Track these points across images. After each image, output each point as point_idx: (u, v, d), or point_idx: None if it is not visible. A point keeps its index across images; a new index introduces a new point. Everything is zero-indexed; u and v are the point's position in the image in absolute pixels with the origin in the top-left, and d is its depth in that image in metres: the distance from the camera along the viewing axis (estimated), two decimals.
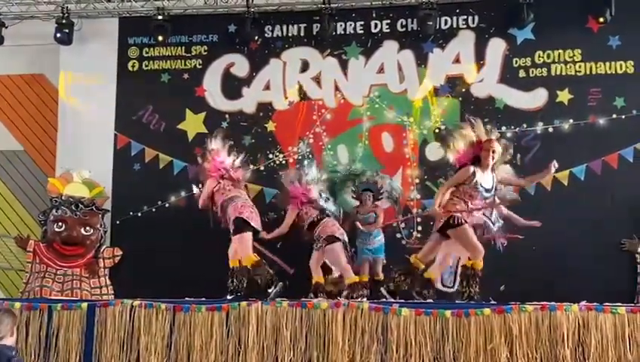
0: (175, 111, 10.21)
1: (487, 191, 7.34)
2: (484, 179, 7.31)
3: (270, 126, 10.05)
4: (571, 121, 9.42)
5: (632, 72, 9.37)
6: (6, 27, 10.40)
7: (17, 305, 7.35)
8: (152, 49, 10.42)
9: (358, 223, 8.82)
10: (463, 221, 7.24)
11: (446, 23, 9.84)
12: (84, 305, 7.45)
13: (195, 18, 10.39)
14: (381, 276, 8.74)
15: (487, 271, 7.45)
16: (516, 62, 9.65)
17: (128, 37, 10.49)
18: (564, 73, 9.55)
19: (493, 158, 7.32)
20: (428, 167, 9.65)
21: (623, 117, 9.30)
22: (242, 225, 8.03)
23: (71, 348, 7.29)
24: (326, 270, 8.67)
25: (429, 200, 9.51)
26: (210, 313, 7.15)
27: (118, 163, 10.22)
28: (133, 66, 10.44)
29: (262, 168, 9.83)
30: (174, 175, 9.96)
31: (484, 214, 7.50)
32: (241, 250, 8.05)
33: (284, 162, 9.83)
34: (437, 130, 9.71)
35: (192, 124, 10.13)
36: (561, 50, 9.56)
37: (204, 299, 7.66)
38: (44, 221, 9.83)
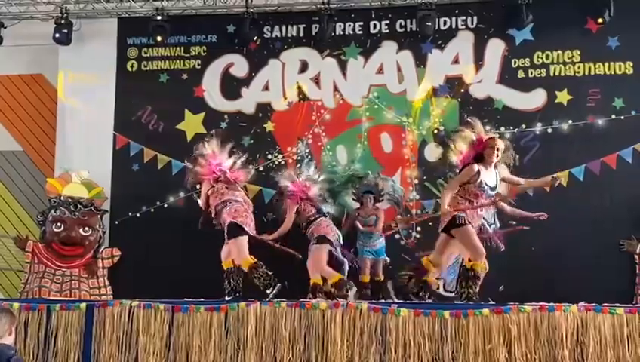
0: (174, 111, 10.21)
1: (491, 189, 7.32)
2: (488, 177, 7.29)
3: (269, 126, 10.05)
4: (570, 121, 9.42)
5: (630, 73, 9.38)
6: (5, 27, 10.41)
7: (16, 305, 7.34)
8: (150, 49, 10.42)
9: (358, 224, 8.80)
10: (466, 221, 7.21)
11: (445, 24, 9.84)
12: (83, 305, 7.44)
13: (194, 18, 10.39)
14: (382, 277, 8.75)
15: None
16: (515, 62, 9.66)
17: (127, 37, 10.50)
18: (563, 74, 9.56)
19: (497, 156, 7.32)
20: (427, 167, 9.65)
21: (622, 117, 9.30)
22: (236, 230, 8.02)
23: (70, 349, 7.28)
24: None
25: (428, 200, 9.55)
26: (208, 313, 7.14)
27: (117, 163, 10.22)
28: (132, 67, 10.44)
29: (261, 169, 9.83)
30: (173, 175, 9.95)
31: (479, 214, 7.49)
32: (237, 254, 8.04)
33: (283, 163, 9.82)
34: (436, 131, 9.71)
35: (191, 124, 10.13)
36: (560, 51, 9.57)
37: (202, 299, 7.66)
38: (43, 221, 9.82)
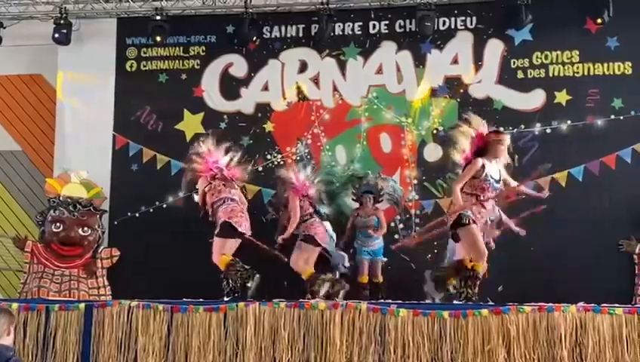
0: (173, 111, 10.21)
1: (496, 182, 7.31)
2: (493, 170, 7.27)
3: (268, 126, 10.05)
4: (569, 122, 9.42)
5: (630, 73, 9.38)
6: (4, 27, 10.41)
7: (15, 305, 7.34)
8: (150, 49, 10.42)
9: (369, 230, 8.78)
10: (471, 221, 7.18)
11: (444, 24, 9.84)
12: (82, 305, 7.44)
13: (194, 18, 10.39)
14: (380, 278, 8.73)
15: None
16: (514, 63, 9.66)
17: (126, 37, 10.50)
18: (562, 74, 9.56)
19: (504, 150, 7.33)
20: (426, 167, 9.66)
21: (621, 118, 9.30)
22: (229, 230, 8.04)
23: (68, 349, 7.28)
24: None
25: (428, 200, 9.56)
26: (207, 314, 7.14)
27: (116, 163, 10.22)
28: (131, 67, 10.44)
29: (260, 169, 9.83)
30: (172, 175, 9.95)
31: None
32: (216, 254, 8.05)
33: (282, 163, 9.81)
34: (435, 131, 9.71)
35: (190, 124, 10.13)
36: (559, 51, 9.57)
37: (201, 299, 7.66)
38: (42, 221, 9.82)
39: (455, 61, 9.82)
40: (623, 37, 9.40)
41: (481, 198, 7.26)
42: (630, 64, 9.38)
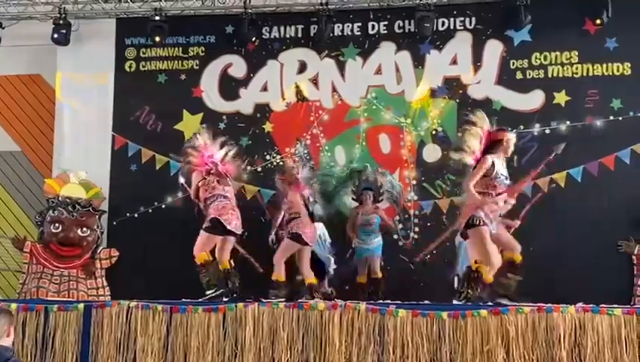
0: (172, 111, 10.21)
1: (506, 178, 7.32)
2: (501, 167, 7.28)
3: (267, 127, 10.05)
4: (568, 122, 9.43)
5: (628, 74, 9.39)
6: (3, 28, 10.40)
7: (14, 306, 7.34)
8: (149, 50, 10.42)
9: (369, 227, 8.77)
10: (482, 222, 7.16)
11: (443, 25, 9.84)
12: (81, 306, 7.45)
13: (193, 19, 10.39)
14: (379, 273, 8.73)
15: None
16: (513, 63, 9.67)
17: (125, 38, 10.49)
18: (561, 75, 9.56)
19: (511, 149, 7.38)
20: (425, 168, 9.66)
21: (620, 118, 9.31)
22: (217, 227, 8.05)
23: (67, 349, 7.28)
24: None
25: (427, 201, 9.56)
26: (206, 314, 7.15)
27: (115, 164, 10.22)
28: (130, 67, 10.44)
29: (259, 169, 9.83)
30: (171, 176, 9.94)
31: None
32: (197, 248, 8.05)
33: (281, 163, 9.80)
34: (434, 132, 9.71)
35: (189, 124, 10.11)
36: (558, 52, 9.58)
37: (200, 300, 7.66)
38: (41, 222, 9.81)
39: (454, 62, 9.82)
40: (622, 38, 9.41)
41: (494, 195, 7.26)
42: (629, 65, 9.39)
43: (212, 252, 8.20)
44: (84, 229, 9.71)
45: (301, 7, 10.07)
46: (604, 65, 9.46)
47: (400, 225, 9.46)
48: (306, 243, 8.26)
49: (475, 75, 9.74)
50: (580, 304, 6.83)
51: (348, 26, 10.05)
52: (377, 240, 8.82)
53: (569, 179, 9.24)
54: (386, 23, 9.98)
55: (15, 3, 10.38)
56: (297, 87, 10.05)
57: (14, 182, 10.75)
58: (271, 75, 10.14)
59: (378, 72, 9.95)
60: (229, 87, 10.18)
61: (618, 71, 9.42)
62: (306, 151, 9.89)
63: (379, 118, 9.88)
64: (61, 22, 10.16)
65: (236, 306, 7.14)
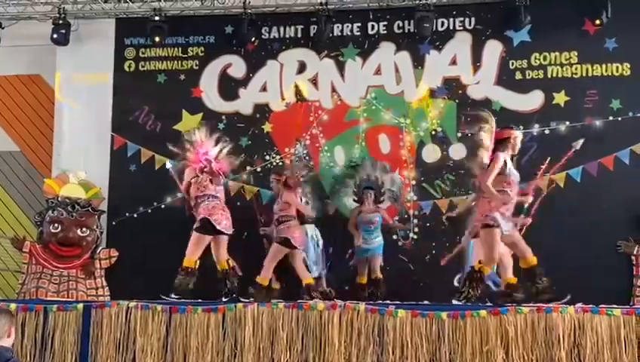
0: (172, 112, 10.20)
1: (515, 175, 7.35)
2: (511, 163, 7.33)
3: (267, 127, 10.04)
4: (567, 123, 9.42)
5: (628, 74, 9.39)
6: (3, 28, 10.40)
7: (13, 306, 7.34)
8: (148, 50, 10.41)
9: (371, 226, 8.77)
10: (496, 224, 7.14)
11: (443, 25, 9.84)
12: (80, 306, 7.45)
13: (192, 19, 10.38)
14: (379, 273, 8.72)
15: None
16: (513, 64, 9.67)
17: (125, 38, 10.48)
18: (560, 75, 9.56)
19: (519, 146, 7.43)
20: (424, 168, 9.66)
21: (620, 119, 9.31)
22: (207, 227, 8.12)
23: (67, 349, 7.29)
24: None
25: (426, 201, 9.56)
26: (206, 314, 7.15)
27: (115, 164, 10.20)
28: (129, 67, 10.43)
29: (258, 169, 9.83)
30: (170, 176, 9.93)
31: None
32: (190, 250, 8.16)
33: (280, 163, 9.81)
34: (433, 132, 9.71)
35: (189, 125, 10.10)
36: (557, 52, 9.57)
37: (200, 300, 7.67)
38: (40, 222, 9.80)
39: (454, 62, 9.82)
40: (622, 38, 9.41)
41: (510, 193, 7.26)
42: (628, 65, 9.39)
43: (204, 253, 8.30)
44: (84, 229, 9.71)
45: (300, 8, 10.06)
46: (604, 66, 9.45)
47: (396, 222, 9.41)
48: (295, 247, 8.28)
49: (474, 76, 9.73)
50: (579, 304, 6.84)
51: (347, 26, 10.05)
52: (379, 240, 8.82)
53: (568, 180, 9.24)
54: (385, 23, 9.98)
55: (14, 3, 10.37)
56: (297, 86, 10.05)
57: (14, 182, 10.74)
58: (270, 75, 10.14)
59: (378, 72, 9.94)
60: (229, 88, 10.17)
61: (617, 71, 9.42)
62: (305, 152, 9.89)
63: (378, 118, 9.87)
64: (60, 22, 10.15)
65: (235, 306, 7.15)
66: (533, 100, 9.55)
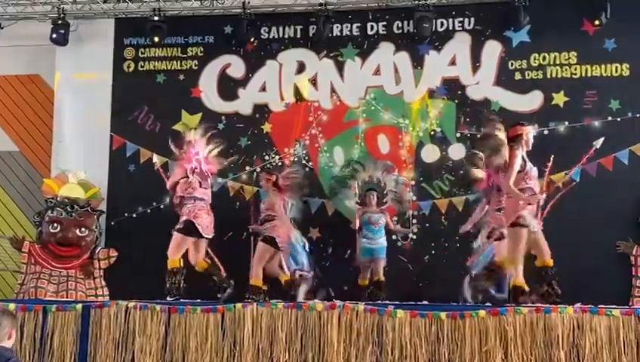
0: (171, 112, 10.19)
1: (534, 170, 7.36)
2: (527, 159, 7.32)
3: (266, 127, 10.04)
4: (567, 123, 9.42)
5: (627, 75, 9.38)
6: (2, 28, 10.41)
7: (12, 306, 7.35)
8: (147, 50, 10.40)
9: (374, 226, 8.76)
10: (526, 224, 7.13)
11: (442, 25, 9.84)
12: (79, 306, 7.46)
13: (191, 19, 10.38)
14: (382, 276, 8.70)
15: None
16: (512, 64, 9.66)
17: (124, 38, 10.48)
18: (559, 75, 9.56)
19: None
20: (424, 168, 9.66)
21: (619, 119, 9.30)
22: (190, 229, 8.21)
23: (65, 349, 7.30)
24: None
25: (425, 201, 9.56)
26: (205, 314, 7.16)
27: (114, 164, 10.20)
28: (128, 67, 10.43)
29: (258, 169, 9.82)
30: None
31: None
32: (172, 251, 8.22)
33: (280, 164, 9.81)
34: (433, 133, 9.71)
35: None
36: (556, 53, 9.57)
37: (199, 300, 7.67)
38: (39, 222, 9.81)
39: (453, 62, 9.81)
40: (621, 38, 9.40)
41: (534, 188, 7.26)
42: (628, 65, 9.38)
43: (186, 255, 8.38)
44: (83, 229, 9.72)
45: (300, 8, 10.06)
46: (603, 66, 9.45)
47: (398, 226, 9.39)
48: (279, 248, 8.29)
49: (473, 76, 9.73)
50: (578, 304, 6.84)
51: (347, 27, 10.05)
52: (382, 240, 8.78)
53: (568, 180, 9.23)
54: (384, 23, 9.98)
55: (14, 3, 10.37)
56: (296, 86, 10.04)
57: (13, 182, 10.74)
58: (270, 76, 10.13)
59: (377, 72, 9.94)
60: (228, 88, 10.17)
61: (617, 72, 9.42)
62: (304, 152, 9.89)
63: (377, 118, 9.87)
64: (60, 22, 10.15)
65: (235, 306, 7.15)
66: (533, 101, 9.55)
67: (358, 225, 8.85)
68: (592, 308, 6.65)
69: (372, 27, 10.01)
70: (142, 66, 10.41)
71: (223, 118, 10.08)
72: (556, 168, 9.01)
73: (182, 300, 7.93)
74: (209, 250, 8.53)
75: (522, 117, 9.43)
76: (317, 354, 6.83)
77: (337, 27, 10.01)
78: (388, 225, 8.89)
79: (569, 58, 9.55)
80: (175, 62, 10.35)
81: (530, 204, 7.16)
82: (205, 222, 8.27)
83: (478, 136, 8.07)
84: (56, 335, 7.32)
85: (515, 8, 9.39)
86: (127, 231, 9.92)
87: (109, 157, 10.22)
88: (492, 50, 9.72)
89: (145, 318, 7.25)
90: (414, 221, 9.49)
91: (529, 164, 7.28)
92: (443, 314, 6.75)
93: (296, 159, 9.82)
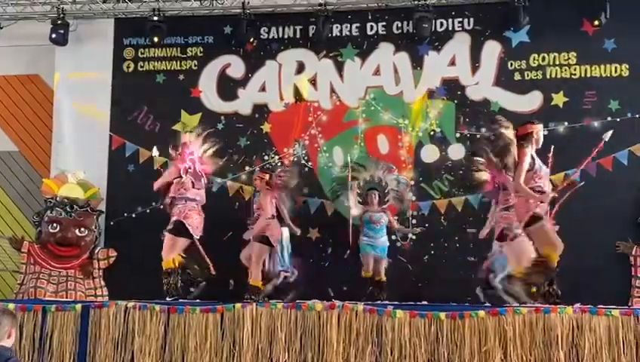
0: (170, 112, 10.19)
1: (544, 169, 7.36)
2: (537, 158, 7.33)
3: (266, 127, 10.04)
4: (566, 123, 9.41)
5: (627, 75, 9.38)
6: (1, 28, 10.41)
7: (11, 306, 7.35)
8: (147, 50, 10.40)
9: (376, 225, 8.75)
10: (540, 216, 7.16)
11: (441, 26, 9.83)
12: (79, 306, 7.46)
13: (191, 19, 10.38)
14: (383, 276, 8.68)
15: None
16: (511, 64, 9.66)
17: (124, 38, 10.48)
18: (559, 76, 9.56)
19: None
20: (423, 169, 9.65)
21: (618, 120, 9.30)
22: (180, 229, 8.32)
23: (65, 349, 7.30)
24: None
25: (425, 201, 9.55)
26: (204, 314, 7.16)
27: (113, 164, 10.20)
28: (128, 67, 10.43)
29: (257, 169, 9.81)
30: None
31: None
32: (165, 252, 8.33)
33: (279, 164, 9.80)
34: (432, 133, 9.71)
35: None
36: (556, 53, 9.57)
37: (198, 300, 7.67)
38: (39, 222, 9.81)
39: (452, 63, 9.81)
40: (620, 39, 9.40)
41: (544, 187, 7.27)
42: (627, 66, 9.38)
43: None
44: (82, 229, 9.72)
45: (299, 8, 10.05)
46: (603, 67, 9.45)
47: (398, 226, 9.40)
48: (272, 245, 8.34)
49: (473, 76, 9.73)
50: (578, 304, 6.84)
51: (346, 27, 10.05)
52: (383, 240, 8.76)
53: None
54: (384, 23, 9.98)
55: (13, 3, 10.37)
56: (296, 86, 10.04)
57: (12, 182, 10.73)
58: (269, 76, 10.13)
59: (376, 72, 9.93)
60: (228, 88, 10.17)
61: (616, 72, 9.42)
62: (304, 152, 9.89)
63: (377, 118, 9.87)
64: (59, 22, 10.15)
65: (234, 306, 7.14)
66: (532, 101, 9.54)
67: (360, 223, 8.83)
68: (591, 309, 6.66)
69: (372, 27, 10.01)
70: (141, 66, 10.41)
71: (223, 118, 10.08)
72: (556, 168, 9.06)
73: (181, 300, 7.93)
74: (199, 246, 8.55)
75: (522, 117, 9.45)
76: (316, 354, 6.83)
77: (337, 27, 10.01)
78: (390, 223, 8.88)
79: (568, 58, 9.55)
80: (175, 62, 10.35)
81: (542, 202, 7.17)
82: (195, 223, 8.36)
83: (489, 136, 8.00)
84: (56, 335, 7.32)
85: (515, 8, 9.39)
86: (126, 231, 9.92)
87: (108, 157, 10.22)
88: (491, 50, 9.72)
89: (144, 318, 7.26)
90: (414, 221, 9.48)
91: (538, 163, 7.29)
92: (442, 315, 6.76)
93: (295, 159, 9.82)
